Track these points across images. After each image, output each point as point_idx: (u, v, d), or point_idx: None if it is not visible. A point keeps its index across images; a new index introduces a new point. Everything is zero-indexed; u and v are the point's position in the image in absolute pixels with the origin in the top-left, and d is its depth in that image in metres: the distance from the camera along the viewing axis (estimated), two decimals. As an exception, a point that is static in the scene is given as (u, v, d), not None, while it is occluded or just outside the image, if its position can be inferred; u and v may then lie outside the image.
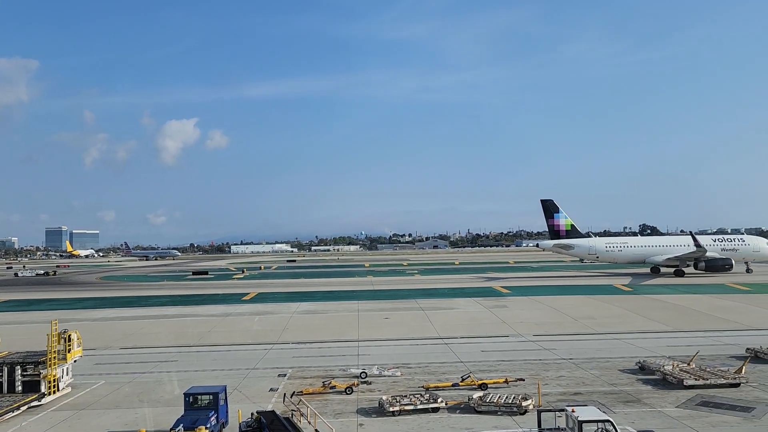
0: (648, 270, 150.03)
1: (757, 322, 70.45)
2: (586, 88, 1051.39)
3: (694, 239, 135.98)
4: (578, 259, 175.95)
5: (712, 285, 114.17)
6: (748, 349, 51.73)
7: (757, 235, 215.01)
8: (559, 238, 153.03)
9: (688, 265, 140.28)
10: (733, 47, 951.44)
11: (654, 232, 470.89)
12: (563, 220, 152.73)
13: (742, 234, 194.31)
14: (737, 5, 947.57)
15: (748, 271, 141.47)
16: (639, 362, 47.72)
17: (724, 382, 41.43)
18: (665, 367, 44.34)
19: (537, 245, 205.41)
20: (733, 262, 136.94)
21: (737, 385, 41.23)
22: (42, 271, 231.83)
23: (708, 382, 41.33)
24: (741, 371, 43.57)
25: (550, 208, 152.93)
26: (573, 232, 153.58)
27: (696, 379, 41.59)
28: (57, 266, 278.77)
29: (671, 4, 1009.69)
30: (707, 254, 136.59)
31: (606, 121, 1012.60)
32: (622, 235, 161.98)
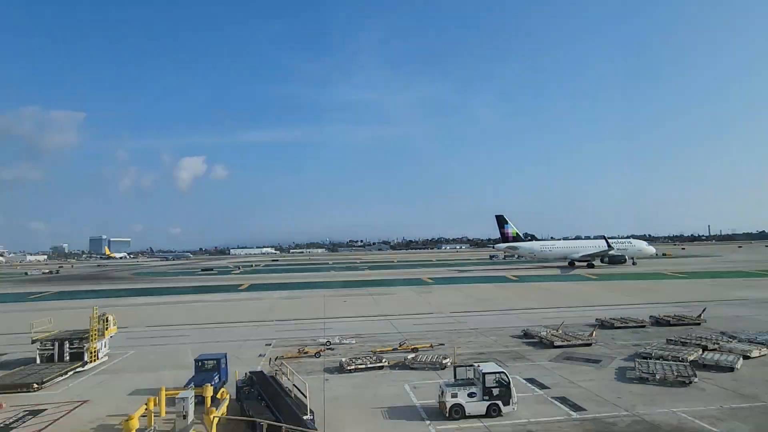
0: (566, 264, 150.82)
1: (603, 300, 72.64)
2: (485, 138, 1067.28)
3: (607, 242, 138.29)
4: (522, 257, 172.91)
5: (572, 275, 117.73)
6: (597, 319, 53.45)
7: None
8: (508, 242, 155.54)
9: (595, 260, 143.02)
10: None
11: (533, 238, 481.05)
12: (511, 230, 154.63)
13: (629, 238, 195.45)
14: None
15: (633, 263, 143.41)
16: (523, 330, 48.54)
17: (581, 342, 42.73)
18: (541, 333, 45.39)
19: (494, 247, 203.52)
20: (627, 257, 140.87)
21: (590, 345, 42.59)
22: (48, 270, 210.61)
23: (570, 342, 42.56)
24: (592, 335, 45.20)
25: (502, 221, 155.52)
26: (518, 238, 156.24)
27: (562, 341, 42.74)
28: (60, 266, 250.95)
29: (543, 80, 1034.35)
30: (609, 252, 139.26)
31: (503, 160, 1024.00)
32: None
